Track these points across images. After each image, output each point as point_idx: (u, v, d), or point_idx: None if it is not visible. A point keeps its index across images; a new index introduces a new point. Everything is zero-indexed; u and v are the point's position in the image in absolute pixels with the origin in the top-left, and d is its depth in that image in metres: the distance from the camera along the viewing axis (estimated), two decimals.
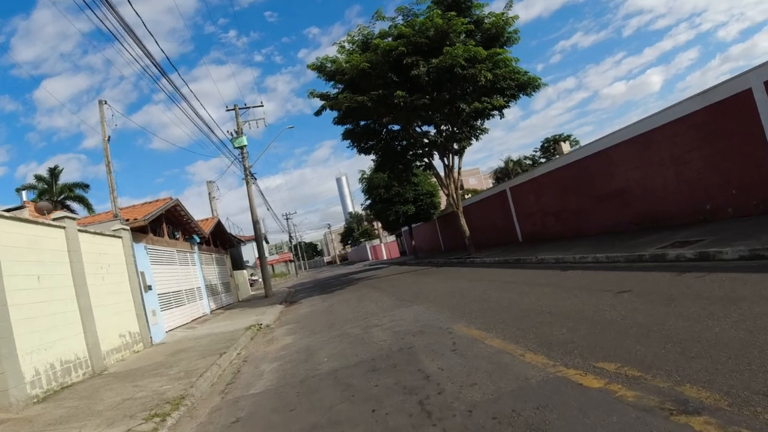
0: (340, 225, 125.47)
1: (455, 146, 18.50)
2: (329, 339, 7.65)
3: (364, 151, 19.33)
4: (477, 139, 18.05)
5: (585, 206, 15.71)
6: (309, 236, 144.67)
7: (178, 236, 16.13)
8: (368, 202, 29.51)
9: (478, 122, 18.13)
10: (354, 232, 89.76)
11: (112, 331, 9.89)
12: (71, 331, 8.37)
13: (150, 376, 7.50)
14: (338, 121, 18.57)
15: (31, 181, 39.16)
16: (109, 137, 12.63)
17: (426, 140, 18.39)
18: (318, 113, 18.31)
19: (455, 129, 16.73)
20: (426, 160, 20.34)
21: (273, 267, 69.83)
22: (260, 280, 54.92)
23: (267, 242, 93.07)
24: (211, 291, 18.88)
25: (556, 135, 63.40)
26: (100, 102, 12.91)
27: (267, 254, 77.11)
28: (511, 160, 64.38)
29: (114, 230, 11.36)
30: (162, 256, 14.12)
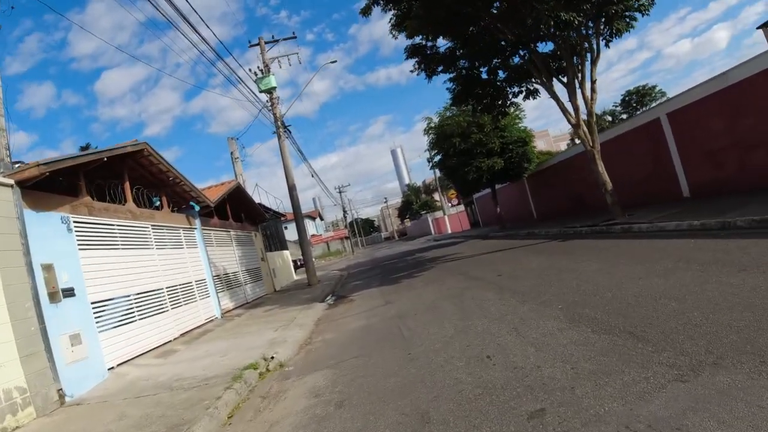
0: (396, 200, 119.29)
1: (592, 45, 11.54)
2: None
3: (442, 64, 12.73)
4: (631, 26, 10.97)
5: None
6: (365, 212, 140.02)
7: (158, 203, 10.43)
8: (438, 158, 22.64)
9: None
10: (412, 205, 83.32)
11: None
12: None
13: None
14: (399, 23, 12.10)
15: None
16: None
17: (542, 32, 11.30)
18: (366, 11, 11.97)
19: None
20: (534, 82, 13.45)
21: (328, 244, 65.15)
22: (312, 259, 49.95)
23: (322, 219, 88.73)
24: (226, 283, 13.22)
25: (639, 86, 53.87)
26: None
27: (322, 231, 72.56)
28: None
29: None
30: (112, 234, 8.40)
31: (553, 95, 12.12)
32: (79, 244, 7.35)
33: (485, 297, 6.73)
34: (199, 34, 14.54)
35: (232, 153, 19.76)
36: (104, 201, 8.57)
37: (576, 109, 11.76)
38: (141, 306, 8.55)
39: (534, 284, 6.76)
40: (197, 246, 11.85)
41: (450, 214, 52.92)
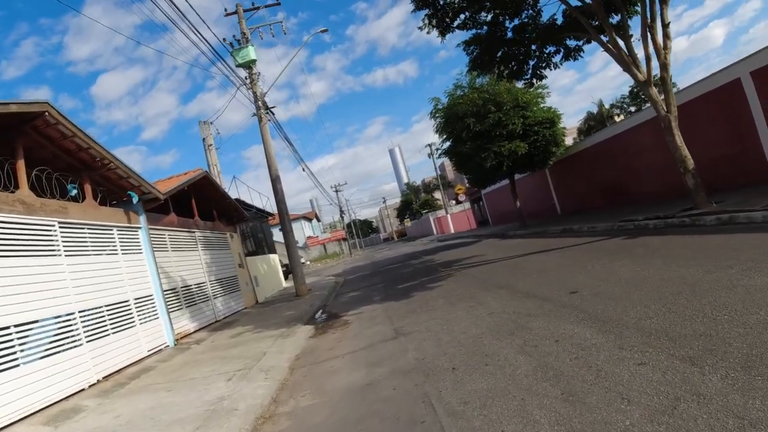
0: (395, 201, 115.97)
1: None
2: None
3: (459, 15, 9.88)
4: None
5: None
6: (363, 213, 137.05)
7: (75, 193, 7.48)
8: (447, 144, 19.56)
9: None
10: (412, 205, 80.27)
11: None
12: None
13: None
14: None
15: None
16: None
17: None
18: None
19: None
20: (577, 37, 10.63)
21: (325, 246, 62.15)
22: (307, 263, 46.71)
23: (319, 220, 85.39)
24: (186, 298, 10.27)
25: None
26: None
27: (319, 233, 69.47)
28: (602, 105, 52.98)
29: None
30: None
31: (615, 46, 9.15)
32: None
33: (579, 338, 3.79)
34: (198, 33, 11.67)
35: (204, 139, 16.73)
36: None
37: (647, 60, 8.85)
38: (28, 343, 5.61)
39: (665, 313, 3.80)
40: (141, 251, 8.90)
41: (453, 213, 49.94)
